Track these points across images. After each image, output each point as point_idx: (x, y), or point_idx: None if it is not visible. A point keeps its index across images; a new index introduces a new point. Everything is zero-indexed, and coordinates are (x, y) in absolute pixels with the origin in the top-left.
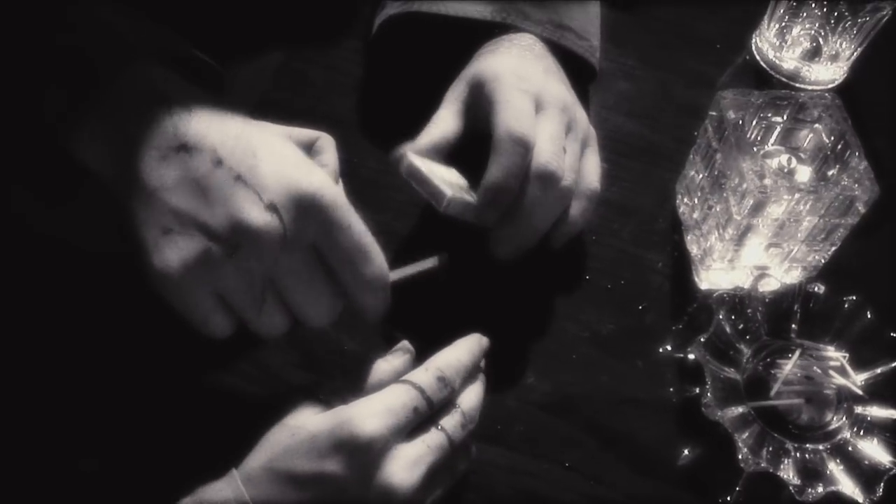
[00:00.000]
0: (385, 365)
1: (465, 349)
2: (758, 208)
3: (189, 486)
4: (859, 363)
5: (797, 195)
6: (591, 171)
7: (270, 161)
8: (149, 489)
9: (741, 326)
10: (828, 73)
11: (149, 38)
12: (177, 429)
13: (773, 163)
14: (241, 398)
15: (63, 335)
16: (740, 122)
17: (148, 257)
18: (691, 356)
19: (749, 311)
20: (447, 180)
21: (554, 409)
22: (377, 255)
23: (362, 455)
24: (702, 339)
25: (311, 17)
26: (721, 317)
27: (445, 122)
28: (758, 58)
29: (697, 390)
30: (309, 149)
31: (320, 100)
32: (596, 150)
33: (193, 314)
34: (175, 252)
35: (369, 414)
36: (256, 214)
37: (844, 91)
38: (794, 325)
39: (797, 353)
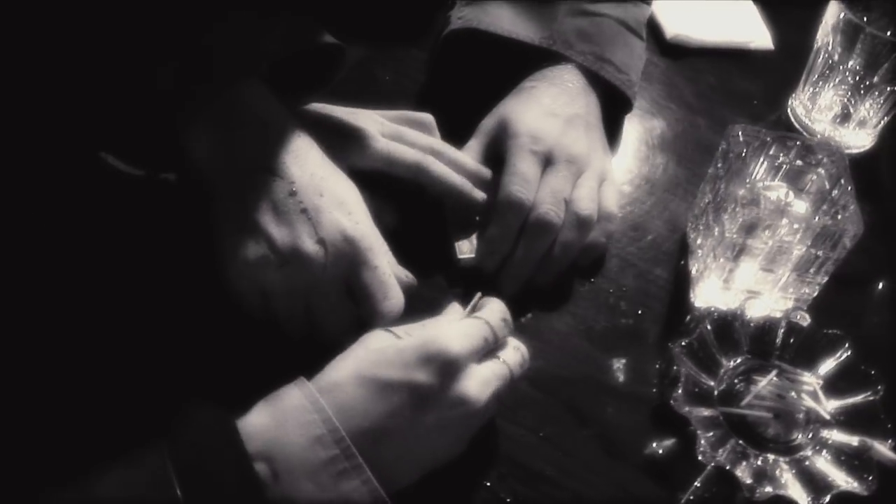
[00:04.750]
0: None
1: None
2: (750, 231)
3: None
4: (832, 391)
5: (784, 221)
6: (608, 199)
7: (331, 203)
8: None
9: (725, 341)
10: (857, 138)
11: (277, 32)
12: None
13: (772, 194)
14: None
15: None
16: (743, 152)
17: (218, 245)
18: (675, 367)
19: (736, 327)
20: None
21: (539, 386)
22: (395, 295)
23: (447, 368)
24: (682, 342)
25: (394, 21)
26: (708, 328)
27: (472, 158)
28: (791, 118)
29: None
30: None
31: (383, 99)
32: (612, 182)
33: (239, 297)
34: (241, 248)
35: (453, 335)
36: (309, 244)
37: (873, 157)
38: (775, 349)
39: (774, 372)
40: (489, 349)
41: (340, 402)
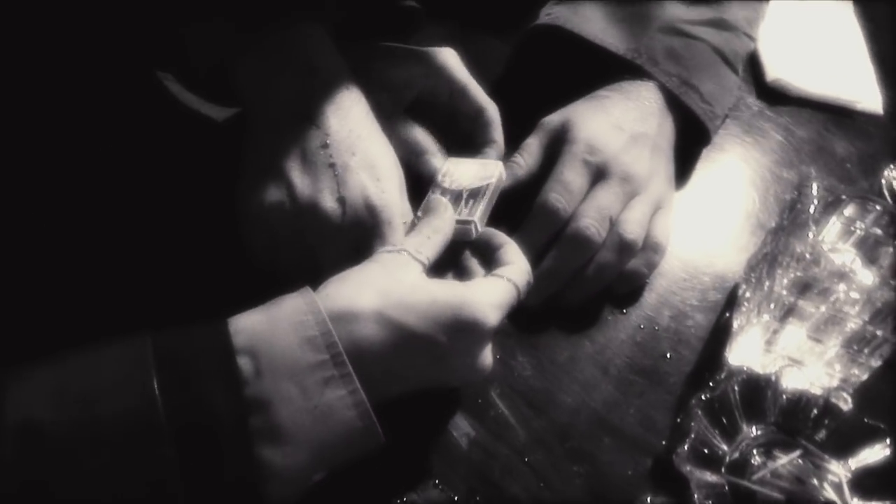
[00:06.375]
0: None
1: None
2: (803, 291)
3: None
4: (860, 489)
5: (842, 287)
6: (660, 229)
7: (361, 164)
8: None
9: (751, 406)
10: None
11: None
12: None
13: (837, 258)
14: None
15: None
16: (812, 206)
17: (240, 181)
18: (689, 422)
19: (767, 394)
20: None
21: (536, 407)
22: None
23: (476, 339)
24: (703, 397)
25: (486, 7)
26: (735, 388)
27: (531, 156)
28: (885, 189)
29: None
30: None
31: None
32: (668, 212)
33: (247, 239)
34: (261, 189)
35: (490, 306)
36: (328, 200)
37: None
38: (806, 428)
39: (798, 451)
40: None
41: (356, 336)
